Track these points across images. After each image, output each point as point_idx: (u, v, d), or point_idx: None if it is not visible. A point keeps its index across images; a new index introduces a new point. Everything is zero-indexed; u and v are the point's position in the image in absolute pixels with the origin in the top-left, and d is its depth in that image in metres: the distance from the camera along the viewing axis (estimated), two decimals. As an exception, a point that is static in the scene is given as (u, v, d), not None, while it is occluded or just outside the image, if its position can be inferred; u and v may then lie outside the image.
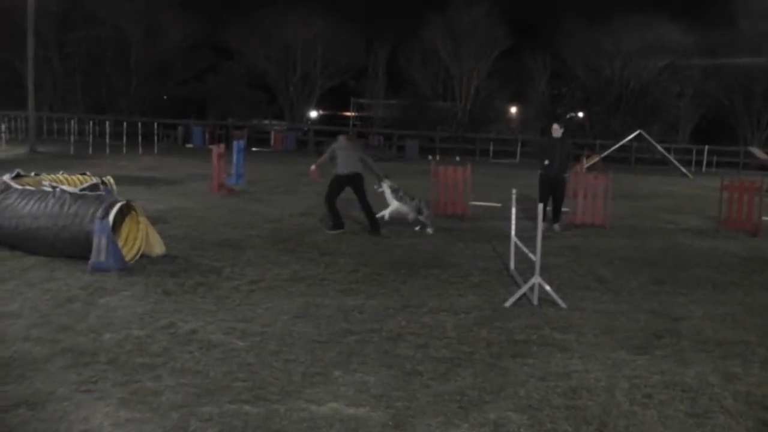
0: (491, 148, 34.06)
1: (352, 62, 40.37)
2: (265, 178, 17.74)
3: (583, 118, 39.90)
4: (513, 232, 7.68)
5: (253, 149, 31.04)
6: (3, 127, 26.38)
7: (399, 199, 10.54)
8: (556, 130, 11.34)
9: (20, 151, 24.09)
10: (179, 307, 5.83)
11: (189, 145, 33.34)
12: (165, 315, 5.59)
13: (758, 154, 31.66)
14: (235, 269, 7.34)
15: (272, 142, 34.50)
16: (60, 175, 9.27)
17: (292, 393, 4.16)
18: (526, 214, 11.08)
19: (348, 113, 47.66)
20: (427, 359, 4.85)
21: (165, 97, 43.29)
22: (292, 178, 18.38)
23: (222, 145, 14.97)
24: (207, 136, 33.32)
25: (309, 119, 43.59)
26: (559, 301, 6.49)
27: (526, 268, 7.22)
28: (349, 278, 7.19)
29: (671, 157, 30.74)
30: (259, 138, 35.18)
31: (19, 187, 7.83)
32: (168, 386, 4.18)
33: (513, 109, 45.23)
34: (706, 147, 34.68)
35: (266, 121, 41.23)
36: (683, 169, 29.62)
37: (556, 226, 11.17)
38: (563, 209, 11.52)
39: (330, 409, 3.98)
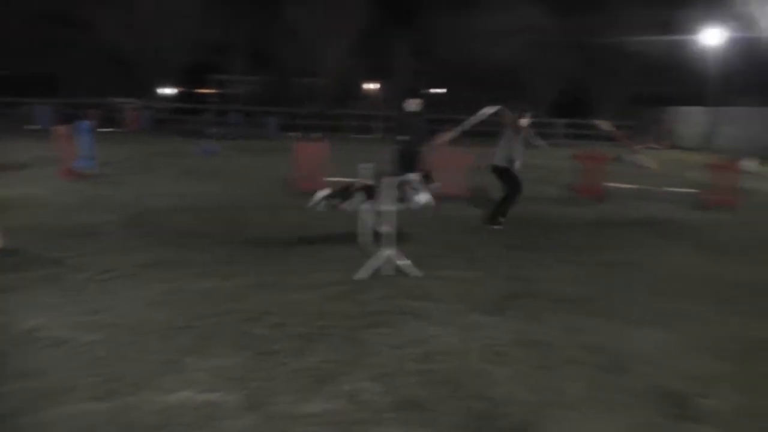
0: (353, 123, 34.21)
1: (211, 37, 38.82)
2: (119, 160, 16.81)
3: (444, 94, 40.97)
4: (367, 206, 7.76)
5: (105, 129, 29.48)
6: None
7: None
8: (411, 104, 11.47)
9: None
10: (18, 305, 5.39)
11: (34, 127, 31.04)
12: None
13: (605, 126, 33.90)
14: (86, 259, 6.90)
15: (127, 121, 32.71)
16: None
17: (145, 384, 4.02)
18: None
19: (208, 90, 46.26)
20: (283, 337, 4.84)
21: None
22: (148, 158, 17.65)
23: (67, 126, 14.06)
24: (55, 115, 31.02)
25: (166, 96, 41.67)
26: (416, 271, 6.66)
27: (383, 241, 7.34)
28: (208, 260, 7.01)
29: (531, 131, 32.20)
30: (113, 117, 33.22)
31: None
32: (2, 394, 3.90)
33: (376, 85, 45.58)
34: (560, 120, 36.79)
35: (120, 99, 38.98)
36: (540, 141, 31.11)
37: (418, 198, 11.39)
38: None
39: (183, 397, 3.89)
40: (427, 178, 8.45)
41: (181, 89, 44.62)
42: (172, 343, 4.68)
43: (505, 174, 10.02)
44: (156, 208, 10.16)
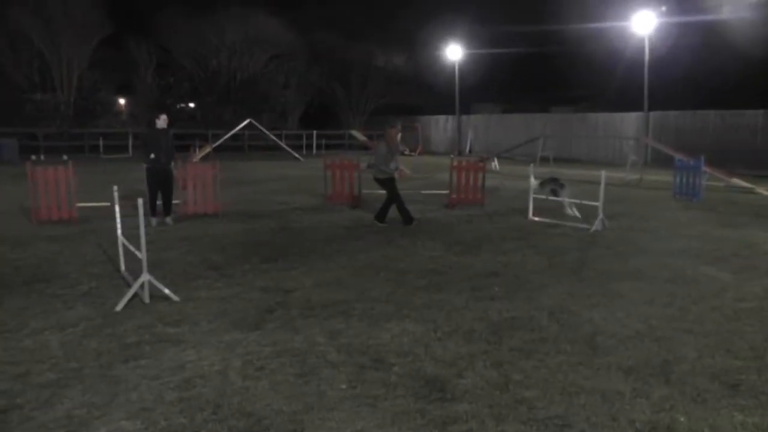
0: (101, 143, 32.26)
1: None
2: None
3: (193, 108, 40.18)
4: (119, 231, 7.49)
5: None
6: None
7: None
8: (161, 121, 11.17)
9: None
10: None
11: None
12: None
13: (359, 136, 35.78)
14: None
15: None
16: None
17: None
18: (137, 211, 10.77)
19: None
20: (28, 388, 4.47)
21: None
22: None
23: None
24: None
25: None
26: (172, 295, 6.56)
27: (138, 268, 7.00)
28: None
29: (282, 143, 32.72)
30: None
31: None
32: None
33: (121, 101, 43.29)
34: (315, 132, 37.93)
35: None
36: (294, 154, 31.76)
37: (168, 219, 11.15)
38: (174, 201, 11.51)
39: None
40: None
41: None
42: None
43: (389, 182, 11.17)
44: None
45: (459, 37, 35.94)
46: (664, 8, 27.16)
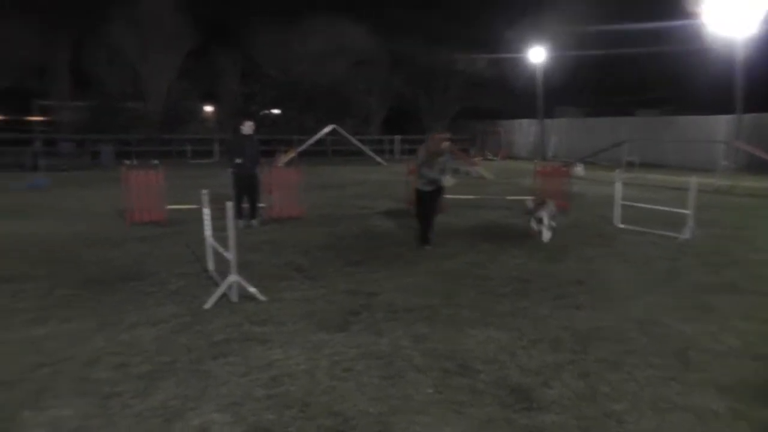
0: (188, 148, 33.43)
1: (29, 59, 36.03)
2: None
3: (277, 114, 41.06)
4: (208, 233, 7.75)
5: None
6: None
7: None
8: (247, 128, 11.54)
9: None
10: None
11: None
12: None
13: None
14: None
15: None
16: None
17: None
18: (224, 214, 11.11)
19: (32, 117, 42.92)
20: (126, 378, 4.74)
21: None
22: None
23: None
24: None
25: None
26: (259, 296, 6.73)
27: (225, 268, 7.22)
28: (40, 304, 6.61)
29: (365, 148, 33.04)
30: None
31: None
32: None
33: (208, 109, 44.71)
34: (397, 137, 38.11)
35: None
36: (377, 158, 32.01)
37: (255, 222, 11.45)
38: (260, 205, 11.81)
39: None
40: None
41: (2, 118, 41.16)
42: (2, 399, 4.43)
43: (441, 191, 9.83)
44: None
45: (542, 39, 35.39)
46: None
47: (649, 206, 11.86)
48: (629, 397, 4.47)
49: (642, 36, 32.22)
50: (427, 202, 9.59)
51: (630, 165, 25.58)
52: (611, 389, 4.60)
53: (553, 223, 10.47)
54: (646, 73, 37.99)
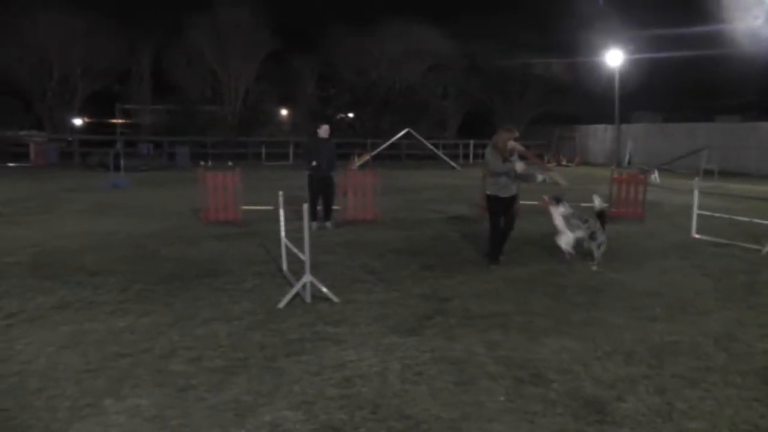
0: (263, 151, 34.05)
1: (114, 65, 37.54)
2: (22, 198, 16.12)
3: (352, 118, 41.44)
4: (283, 233, 7.83)
5: (9, 165, 28.37)
6: None
7: (572, 227, 9.11)
8: (323, 131, 11.66)
9: None
10: None
11: None
12: None
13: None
14: (-13, 304, 6.57)
15: (32, 155, 30.95)
16: None
17: None
18: (298, 215, 11.24)
19: (115, 120, 44.76)
20: (201, 372, 4.81)
21: None
22: (54, 195, 16.93)
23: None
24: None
25: (72, 128, 39.80)
26: (332, 297, 6.73)
27: (299, 268, 7.26)
28: (120, 298, 6.83)
29: (439, 152, 32.98)
30: (16, 152, 31.34)
31: None
32: None
33: (283, 112, 45.51)
34: (471, 141, 37.92)
35: (23, 132, 36.79)
36: (451, 163, 31.91)
37: (328, 224, 11.53)
38: (335, 207, 11.89)
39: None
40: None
41: (88, 120, 43.03)
42: (85, 387, 4.56)
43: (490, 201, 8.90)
44: (62, 247, 9.74)
45: (619, 42, 34.42)
46: None
47: (728, 216, 11.35)
48: (707, 416, 4.24)
49: (724, 37, 30.95)
50: (500, 210, 8.68)
51: (709, 173, 24.61)
52: (688, 407, 4.38)
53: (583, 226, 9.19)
54: (727, 77, 36.45)
